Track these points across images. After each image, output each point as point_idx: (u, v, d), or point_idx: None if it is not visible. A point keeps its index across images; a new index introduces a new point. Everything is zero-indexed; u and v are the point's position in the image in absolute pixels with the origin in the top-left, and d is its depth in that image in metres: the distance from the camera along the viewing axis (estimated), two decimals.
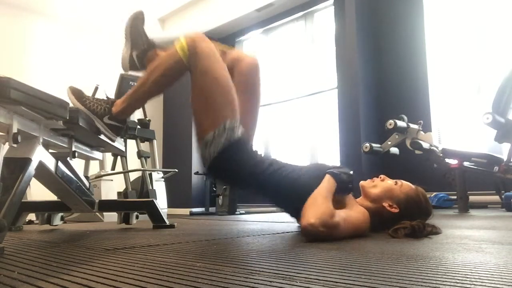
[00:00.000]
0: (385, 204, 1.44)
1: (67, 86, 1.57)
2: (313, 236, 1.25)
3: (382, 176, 1.55)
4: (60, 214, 1.97)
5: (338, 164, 1.64)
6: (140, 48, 1.69)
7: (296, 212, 1.63)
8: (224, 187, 4.55)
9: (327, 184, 1.38)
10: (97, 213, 3.12)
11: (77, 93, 1.55)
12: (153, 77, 1.52)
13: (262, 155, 1.58)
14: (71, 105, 1.42)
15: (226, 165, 1.49)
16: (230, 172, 1.53)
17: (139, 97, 1.58)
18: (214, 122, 1.45)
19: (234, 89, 1.51)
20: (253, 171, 1.49)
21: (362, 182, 1.52)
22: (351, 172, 1.46)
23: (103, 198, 3.31)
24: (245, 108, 1.59)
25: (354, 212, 1.39)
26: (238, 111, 1.51)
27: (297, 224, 1.93)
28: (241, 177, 1.52)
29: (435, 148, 3.28)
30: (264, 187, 1.53)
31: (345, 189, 1.43)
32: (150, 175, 3.79)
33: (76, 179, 1.54)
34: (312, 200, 1.32)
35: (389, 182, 1.51)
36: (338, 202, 1.39)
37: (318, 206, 1.28)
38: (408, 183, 1.52)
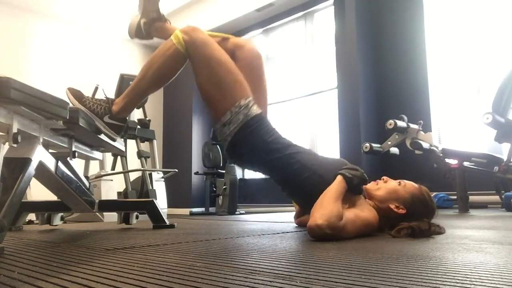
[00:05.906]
0: (392, 206, 1.44)
1: (66, 87, 1.57)
2: (319, 237, 1.25)
3: (384, 177, 1.54)
4: (60, 214, 1.97)
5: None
6: (149, 16, 1.73)
7: (303, 201, 1.63)
8: (224, 188, 4.55)
9: (337, 185, 1.37)
10: (97, 213, 3.12)
11: (76, 94, 1.55)
12: (153, 69, 1.53)
13: (281, 134, 1.59)
14: (71, 105, 1.42)
15: (246, 140, 1.51)
16: (250, 147, 1.54)
17: (140, 91, 1.58)
18: (229, 103, 1.50)
19: (238, 71, 1.54)
20: (271, 147, 1.51)
21: (366, 186, 1.50)
22: (364, 174, 1.44)
23: (103, 198, 3.31)
24: (253, 90, 1.61)
25: (363, 212, 1.38)
26: (249, 89, 1.54)
27: (295, 225, 1.93)
28: (260, 152, 1.53)
29: (435, 148, 3.28)
30: (279, 167, 1.54)
31: (355, 191, 1.43)
32: (150, 175, 3.79)
33: (76, 179, 1.53)
34: (321, 201, 1.32)
35: (393, 183, 1.50)
36: (348, 200, 1.39)
37: (326, 207, 1.27)
38: (411, 182, 1.51)
